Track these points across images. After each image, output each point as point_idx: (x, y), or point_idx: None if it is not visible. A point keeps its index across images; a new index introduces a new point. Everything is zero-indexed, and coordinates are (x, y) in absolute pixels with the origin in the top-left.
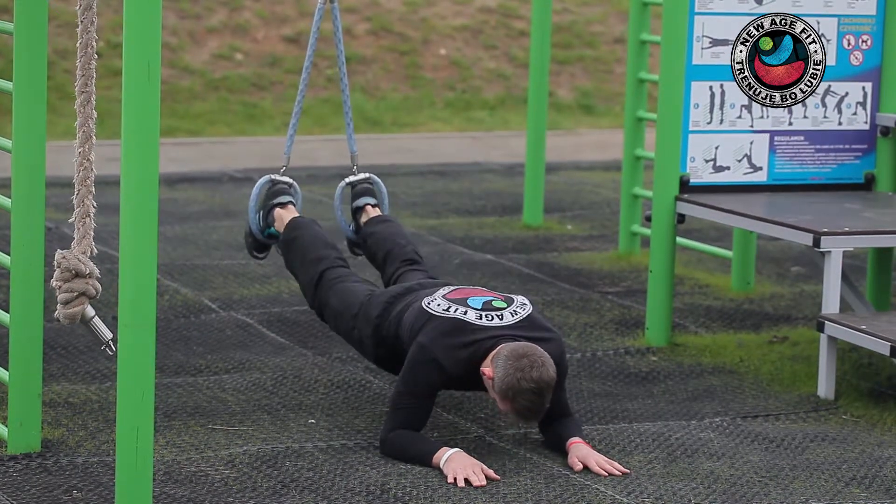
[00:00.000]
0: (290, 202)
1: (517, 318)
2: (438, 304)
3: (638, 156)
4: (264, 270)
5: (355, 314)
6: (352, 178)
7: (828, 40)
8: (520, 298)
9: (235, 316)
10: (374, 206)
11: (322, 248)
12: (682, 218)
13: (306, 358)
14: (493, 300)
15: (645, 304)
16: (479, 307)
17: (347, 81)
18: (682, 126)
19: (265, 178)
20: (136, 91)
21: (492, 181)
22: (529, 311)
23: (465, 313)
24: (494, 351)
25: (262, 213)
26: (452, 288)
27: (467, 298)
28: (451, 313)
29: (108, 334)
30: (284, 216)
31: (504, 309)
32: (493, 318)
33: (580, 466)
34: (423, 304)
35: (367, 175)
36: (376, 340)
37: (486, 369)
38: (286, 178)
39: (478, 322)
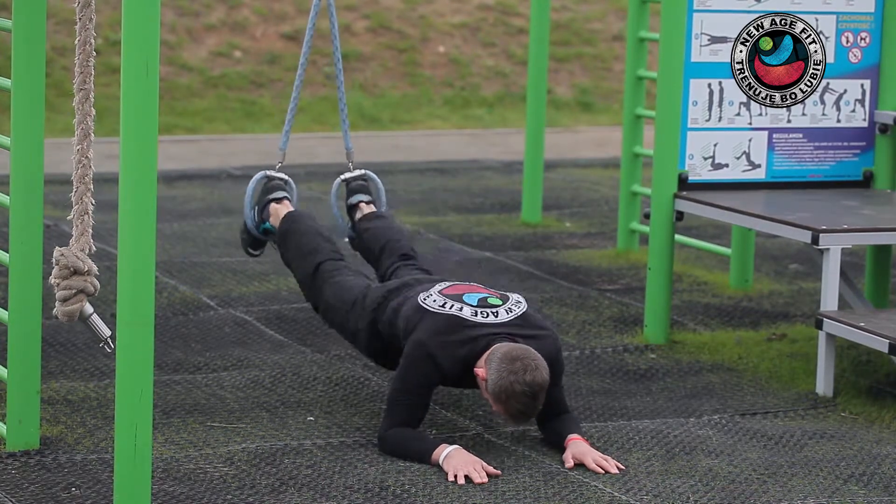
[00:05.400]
0: (286, 197)
1: (512, 315)
2: (434, 301)
3: (636, 153)
4: (263, 268)
5: (349, 308)
6: (347, 175)
7: (826, 38)
8: (515, 296)
9: (234, 313)
10: (367, 202)
11: (318, 240)
12: (680, 215)
13: (305, 355)
14: (488, 297)
15: (643, 301)
16: (475, 304)
17: (343, 78)
18: (680, 123)
19: (260, 174)
20: (134, 88)
21: (490, 178)
22: (524, 309)
23: (461, 310)
24: (488, 351)
25: (257, 208)
26: (448, 284)
27: (463, 295)
28: (447, 310)
29: (107, 331)
30: (280, 211)
31: (499, 306)
32: (488, 315)
33: (571, 463)
34: (418, 299)
35: (363, 171)
36: (371, 333)
37: (480, 370)
38: (282, 175)
39: (473, 319)
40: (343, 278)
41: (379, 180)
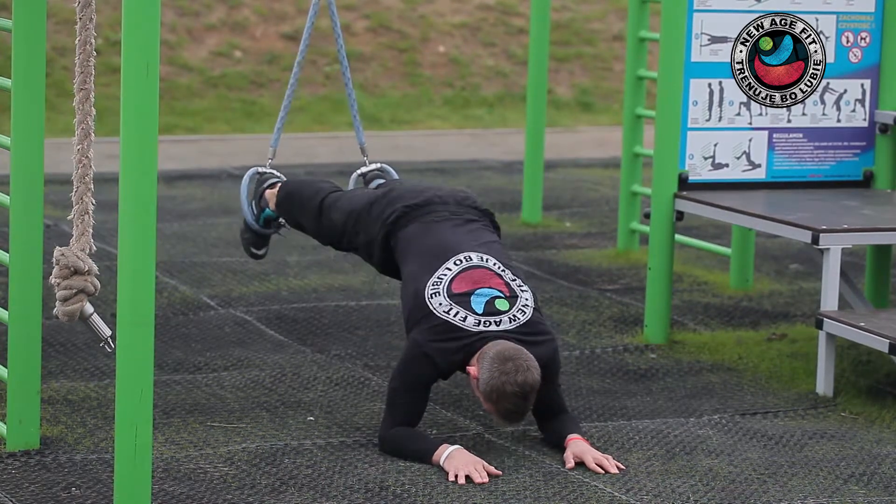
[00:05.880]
0: (278, 181)
1: (514, 324)
2: (440, 304)
3: (637, 153)
4: (263, 268)
5: (359, 213)
6: (364, 169)
7: (826, 37)
8: (523, 298)
9: (234, 313)
10: None
11: (316, 185)
12: (680, 215)
13: (305, 355)
14: (497, 298)
15: (643, 301)
16: (481, 312)
17: (350, 75)
18: (680, 123)
19: (251, 170)
20: (134, 88)
21: (490, 178)
22: (528, 317)
23: (465, 319)
24: (481, 350)
25: (254, 202)
26: (461, 268)
27: (472, 295)
28: (451, 317)
29: (107, 331)
30: (275, 192)
31: (504, 313)
32: (490, 325)
33: (572, 463)
34: (425, 293)
35: (379, 164)
36: (384, 248)
37: (472, 368)
38: (273, 171)
39: (475, 329)
40: (345, 198)
41: (394, 171)
